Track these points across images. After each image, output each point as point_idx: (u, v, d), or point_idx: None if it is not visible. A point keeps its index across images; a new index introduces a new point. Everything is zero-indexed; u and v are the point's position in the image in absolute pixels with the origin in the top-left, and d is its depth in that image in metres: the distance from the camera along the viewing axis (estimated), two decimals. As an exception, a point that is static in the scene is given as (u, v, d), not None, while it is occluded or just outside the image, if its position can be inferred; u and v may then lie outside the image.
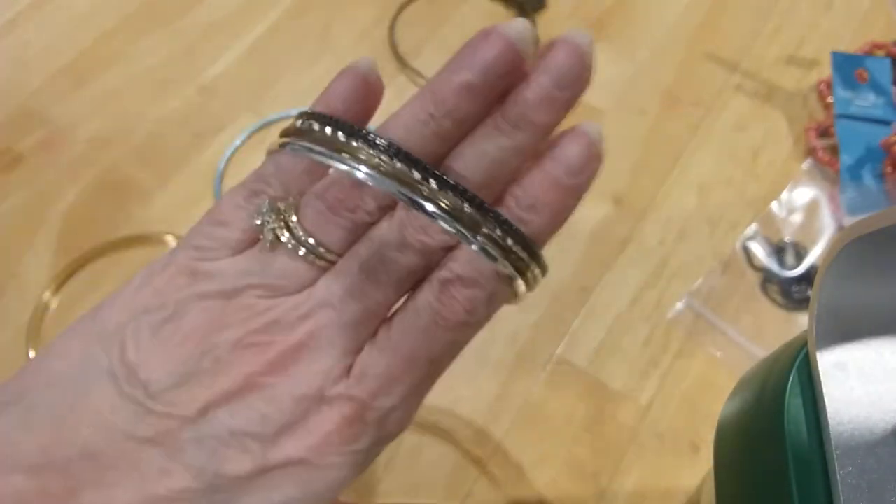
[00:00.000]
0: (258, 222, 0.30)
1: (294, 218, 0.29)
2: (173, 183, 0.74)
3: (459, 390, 0.63)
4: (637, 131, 0.78)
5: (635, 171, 0.75)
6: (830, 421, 0.30)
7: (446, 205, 0.27)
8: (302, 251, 0.29)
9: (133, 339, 0.29)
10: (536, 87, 0.29)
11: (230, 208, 0.31)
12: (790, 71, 0.83)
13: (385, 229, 0.30)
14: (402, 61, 0.82)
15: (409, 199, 0.27)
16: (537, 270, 0.30)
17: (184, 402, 0.28)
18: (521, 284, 0.29)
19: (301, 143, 0.28)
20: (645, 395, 0.63)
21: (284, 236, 0.29)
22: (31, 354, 0.64)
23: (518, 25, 0.28)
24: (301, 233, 0.29)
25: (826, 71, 0.80)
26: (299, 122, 0.29)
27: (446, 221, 0.27)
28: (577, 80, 0.29)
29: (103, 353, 0.29)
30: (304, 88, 0.80)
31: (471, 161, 0.29)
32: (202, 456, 0.29)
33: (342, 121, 0.28)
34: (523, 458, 0.61)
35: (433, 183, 0.27)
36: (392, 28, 0.84)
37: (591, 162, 0.29)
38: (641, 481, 0.60)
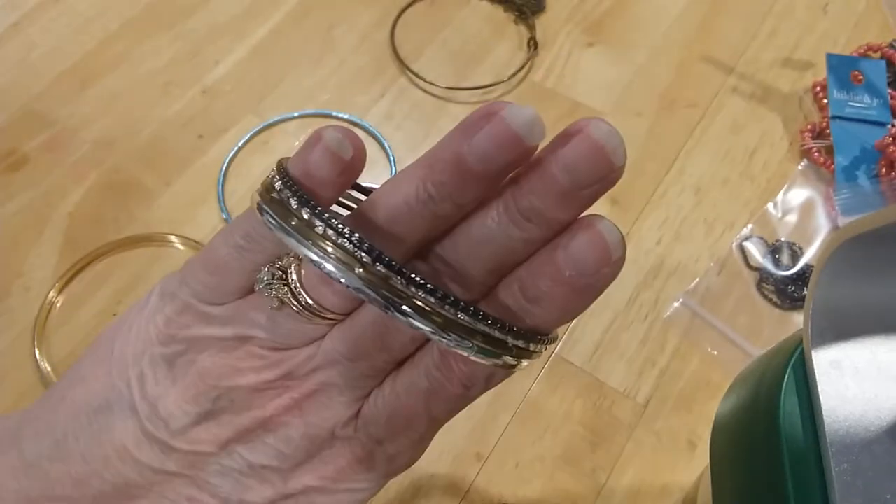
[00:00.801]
0: (260, 287, 0.29)
1: (295, 280, 0.28)
2: (177, 184, 0.74)
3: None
4: (634, 133, 0.79)
5: (633, 172, 0.76)
6: (825, 419, 0.30)
7: (432, 311, 0.25)
8: (306, 314, 0.28)
9: (151, 371, 0.29)
10: (553, 184, 0.25)
11: (224, 257, 0.29)
12: (786, 73, 0.83)
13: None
14: (402, 63, 0.82)
15: (395, 308, 0.25)
16: (544, 348, 0.28)
17: (205, 440, 0.29)
18: (524, 363, 0.28)
19: (276, 219, 0.26)
20: (642, 393, 0.64)
21: (289, 302, 0.28)
22: (37, 352, 0.64)
23: (525, 115, 0.25)
24: (304, 297, 0.28)
25: (821, 73, 0.81)
26: (278, 186, 0.27)
27: (436, 333, 0.25)
28: (600, 179, 0.25)
29: (123, 384, 0.30)
30: (306, 90, 0.81)
31: (474, 249, 0.27)
32: (227, 485, 0.29)
33: (317, 205, 0.26)
34: (522, 454, 0.62)
35: (419, 291, 0.25)
36: (393, 31, 0.85)
37: (605, 267, 0.26)
38: (639, 478, 0.61)
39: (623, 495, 0.60)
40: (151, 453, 0.29)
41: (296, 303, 0.28)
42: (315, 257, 0.25)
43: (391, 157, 0.76)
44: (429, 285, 0.25)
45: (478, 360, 0.26)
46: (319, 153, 0.27)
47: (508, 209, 0.26)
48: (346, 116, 0.79)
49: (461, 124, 0.26)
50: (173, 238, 0.71)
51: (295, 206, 0.26)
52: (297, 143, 0.77)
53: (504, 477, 0.61)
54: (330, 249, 0.25)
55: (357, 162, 0.28)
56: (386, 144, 0.76)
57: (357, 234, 0.25)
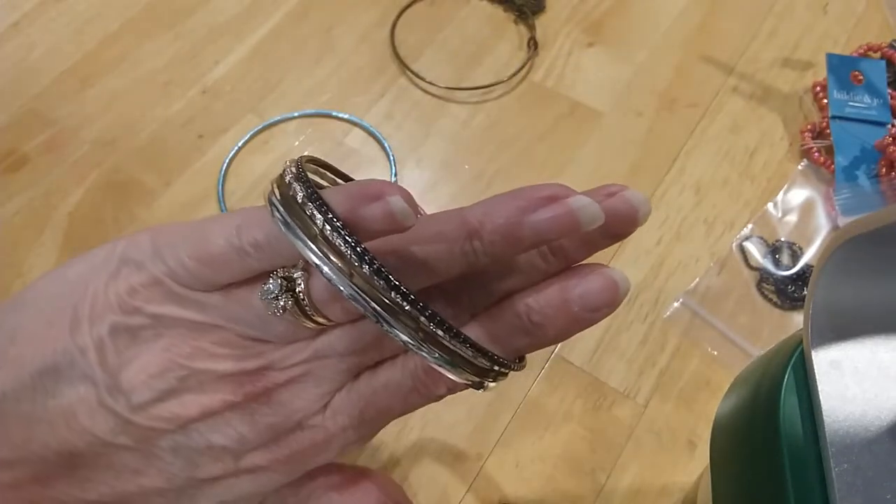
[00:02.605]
0: (266, 299, 0.28)
1: (303, 292, 0.28)
2: (177, 184, 0.74)
3: (460, 388, 0.64)
4: (634, 133, 0.79)
5: (633, 171, 0.76)
6: (826, 419, 0.30)
7: (421, 329, 0.26)
8: (309, 324, 0.29)
9: (111, 340, 0.28)
10: (587, 233, 0.28)
11: (221, 254, 0.28)
12: (785, 73, 0.83)
13: None
14: (402, 63, 0.82)
15: (386, 323, 0.25)
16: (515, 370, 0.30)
17: (165, 417, 0.28)
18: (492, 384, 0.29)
19: (286, 217, 0.26)
20: (642, 394, 0.64)
21: (292, 310, 0.28)
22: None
23: (592, 211, 0.27)
24: (310, 309, 0.28)
25: (821, 73, 0.81)
26: (298, 191, 0.26)
27: (424, 350, 0.26)
28: (624, 234, 0.30)
29: (77, 350, 0.28)
30: (306, 90, 0.81)
31: (498, 273, 0.30)
32: (177, 463, 0.29)
33: (335, 214, 0.26)
34: (522, 454, 0.62)
35: (413, 309, 0.26)
36: (393, 31, 0.85)
37: (610, 306, 0.29)
38: (639, 478, 0.61)
39: (623, 495, 0.60)
40: (105, 425, 0.28)
41: (300, 313, 0.28)
42: (317, 260, 0.25)
43: (391, 157, 0.76)
44: (422, 304, 0.26)
45: (460, 379, 0.27)
46: (381, 212, 0.27)
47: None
48: (346, 116, 0.79)
49: (520, 195, 0.27)
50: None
51: (309, 212, 0.26)
52: (297, 142, 0.77)
53: (504, 477, 0.61)
54: (333, 257, 0.25)
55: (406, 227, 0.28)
56: (386, 144, 0.76)
57: (362, 246, 0.25)
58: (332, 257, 0.25)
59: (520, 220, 0.27)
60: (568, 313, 0.29)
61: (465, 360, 0.27)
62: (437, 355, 0.26)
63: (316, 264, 0.25)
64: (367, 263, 0.25)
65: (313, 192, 0.26)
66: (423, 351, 0.26)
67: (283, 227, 0.26)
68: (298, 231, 0.26)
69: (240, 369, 0.29)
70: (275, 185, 0.27)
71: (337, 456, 0.31)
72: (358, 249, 0.25)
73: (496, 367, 0.28)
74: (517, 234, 0.27)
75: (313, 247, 0.25)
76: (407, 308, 0.25)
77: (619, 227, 0.29)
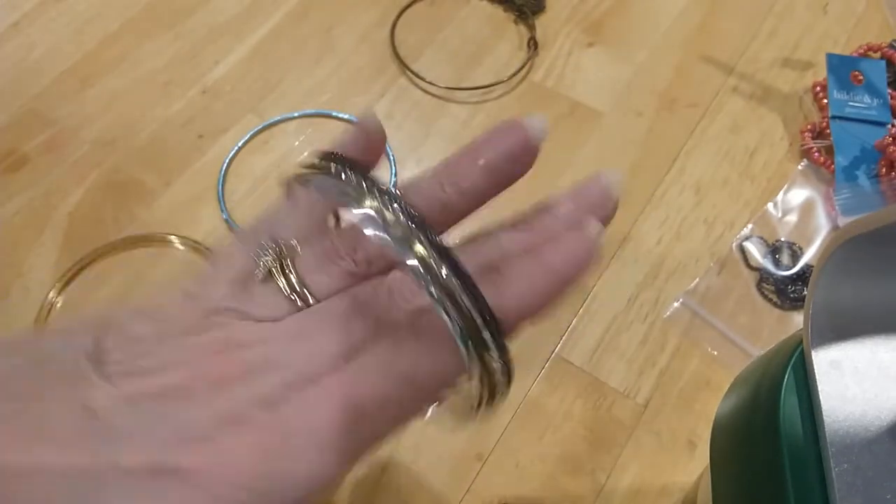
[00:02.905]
0: (255, 257, 0.30)
1: (289, 260, 0.30)
2: (177, 184, 0.74)
3: (460, 388, 0.63)
4: (634, 133, 0.79)
5: (633, 171, 0.76)
6: (825, 419, 0.30)
7: (443, 282, 0.26)
8: (287, 290, 0.29)
9: (116, 323, 0.29)
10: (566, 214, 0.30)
11: (235, 246, 0.30)
12: (785, 73, 0.83)
13: (374, 287, 0.30)
14: (402, 63, 0.82)
15: (413, 268, 0.26)
16: (499, 373, 0.29)
17: (122, 383, 0.27)
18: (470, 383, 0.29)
19: (324, 178, 0.29)
20: (642, 394, 0.64)
21: (277, 275, 0.29)
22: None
23: (537, 122, 0.30)
24: (291, 273, 0.29)
25: (821, 73, 0.81)
26: (318, 161, 0.29)
27: (444, 308, 0.26)
28: (604, 218, 0.31)
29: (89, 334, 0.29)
30: (306, 90, 0.81)
31: (476, 242, 0.31)
32: (102, 438, 0.27)
33: (362, 168, 0.28)
34: (522, 454, 0.62)
35: (438, 258, 0.26)
36: (393, 31, 0.85)
37: (585, 258, 0.29)
38: (639, 478, 0.61)
39: (623, 495, 0.60)
40: (66, 371, 0.27)
41: (282, 277, 0.29)
42: (361, 211, 0.27)
43: (391, 157, 0.76)
44: (455, 260, 0.27)
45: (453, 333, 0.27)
46: (357, 132, 0.32)
47: (516, 215, 0.30)
48: (346, 116, 0.79)
49: (486, 134, 0.31)
50: (173, 238, 0.71)
51: (337, 171, 0.28)
52: (297, 142, 0.77)
53: (504, 477, 0.61)
54: (375, 208, 0.27)
55: (379, 142, 0.32)
56: (386, 144, 0.76)
57: (398, 195, 0.27)
58: (367, 201, 0.27)
59: (474, 143, 0.30)
60: (540, 262, 0.29)
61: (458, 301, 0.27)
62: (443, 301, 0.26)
63: (357, 213, 0.27)
64: (395, 200, 0.27)
65: (334, 153, 0.29)
66: (445, 311, 0.26)
67: (326, 186, 0.29)
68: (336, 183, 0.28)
69: (207, 339, 0.28)
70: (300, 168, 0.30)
71: (273, 492, 0.27)
72: (388, 191, 0.27)
73: (487, 324, 0.28)
74: (474, 153, 0.30)
75: (351, 196, 0.27)
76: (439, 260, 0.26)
77: (592, 198, 0.31)
